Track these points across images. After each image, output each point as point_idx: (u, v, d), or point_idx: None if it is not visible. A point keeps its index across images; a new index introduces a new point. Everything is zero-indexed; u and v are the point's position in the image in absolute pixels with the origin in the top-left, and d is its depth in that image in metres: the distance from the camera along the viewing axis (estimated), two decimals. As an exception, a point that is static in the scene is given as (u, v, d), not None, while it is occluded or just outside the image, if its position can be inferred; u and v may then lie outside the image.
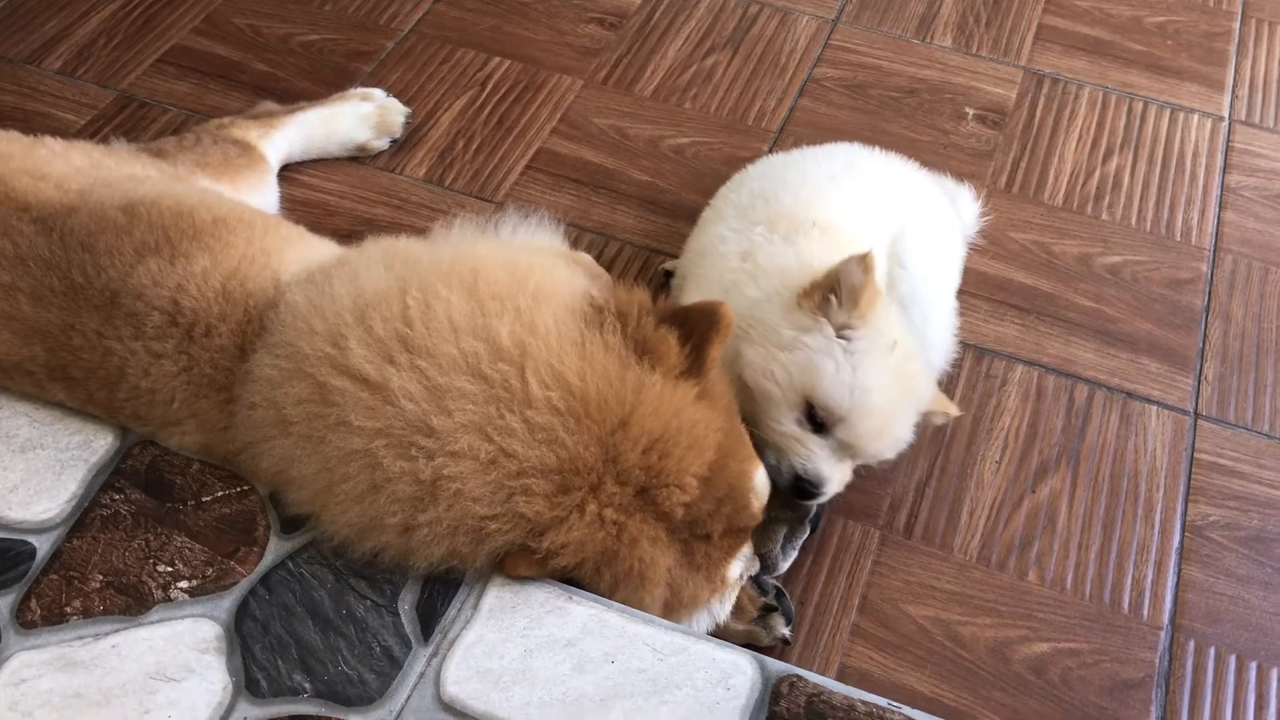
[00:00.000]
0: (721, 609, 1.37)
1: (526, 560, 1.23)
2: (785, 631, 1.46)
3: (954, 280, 1.76)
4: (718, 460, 1.27)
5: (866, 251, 1.41)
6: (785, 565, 1.48)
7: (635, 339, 1.26)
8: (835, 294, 1.42)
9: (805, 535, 1.48)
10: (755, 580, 1.46)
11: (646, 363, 1.25)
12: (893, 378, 1.43)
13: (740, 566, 1.36)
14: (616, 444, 1.21)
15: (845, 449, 1.45)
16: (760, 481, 1.36)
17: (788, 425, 1.43)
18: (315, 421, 1.23)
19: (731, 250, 1.58)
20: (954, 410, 1.55)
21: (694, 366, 1.28)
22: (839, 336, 1.42)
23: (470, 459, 1.18)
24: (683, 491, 1.24)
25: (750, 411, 1.45)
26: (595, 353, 1.23)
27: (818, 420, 1.43)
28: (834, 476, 1.45)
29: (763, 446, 1.43)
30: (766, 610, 1.46)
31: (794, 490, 1.44)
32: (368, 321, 1.24)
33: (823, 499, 1.47)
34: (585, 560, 1.23)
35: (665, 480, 1.23)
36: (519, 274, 1.29)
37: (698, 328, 1.28)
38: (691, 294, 1.60)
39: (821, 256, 1.51)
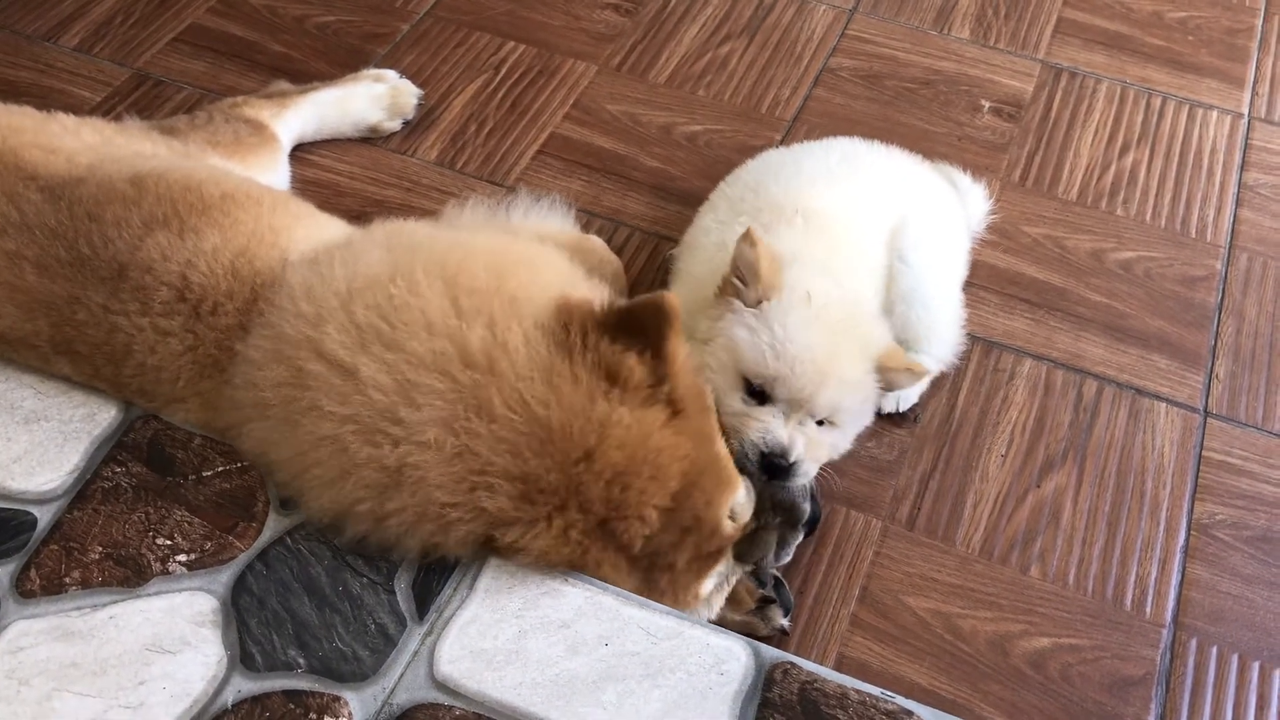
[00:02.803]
0: (706, 613, 1.36)
1: None
2: (783, 622, 1.45)
3: (959, 273, 1.75)
4: (682, 490, 1.24)
5: (747, 228, 1.44)
6: (779, 564, 1.47)
7: (600, 364, 1.23)
8: (740, 278, 1.45)
9: (799, 539, 1.46)
10: (754, 572, 1.46)
11: (616, 392, 1.22)
12: (817, 326, 1.43)
13: (713, 582, 1.34)
14: (580, 475, 1.20)
15: (795, 407, 1.44)
16: (739, 502, 1.34)
17: (735, 405, 1.45)
18: (290, 405, 1.23)
19: (712, 241, 1.58)
20: (920, 367, 1.50)
21: (657, 370, 1.25)
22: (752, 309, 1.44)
23: (436, 450, 1.18)
24: (643, 524, 1.22)
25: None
26: (563, 385, 1.20)
27: (757, 390, 1.44)
28: (796, 441, 1.44)
29: (727, 434, 1.43)
30: (764, 602, 1.45)
31: (767, 470, 1.43)
32: (351, 307, 1.24)
33: (801, 476, 1.45)
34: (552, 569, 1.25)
35: (624, 513, 1.21)
36: (502, 271, 1.28)
37: (648, 327, 1.24)
38: (675, 288, 1.60)
39: (796, 246, 1.50)
